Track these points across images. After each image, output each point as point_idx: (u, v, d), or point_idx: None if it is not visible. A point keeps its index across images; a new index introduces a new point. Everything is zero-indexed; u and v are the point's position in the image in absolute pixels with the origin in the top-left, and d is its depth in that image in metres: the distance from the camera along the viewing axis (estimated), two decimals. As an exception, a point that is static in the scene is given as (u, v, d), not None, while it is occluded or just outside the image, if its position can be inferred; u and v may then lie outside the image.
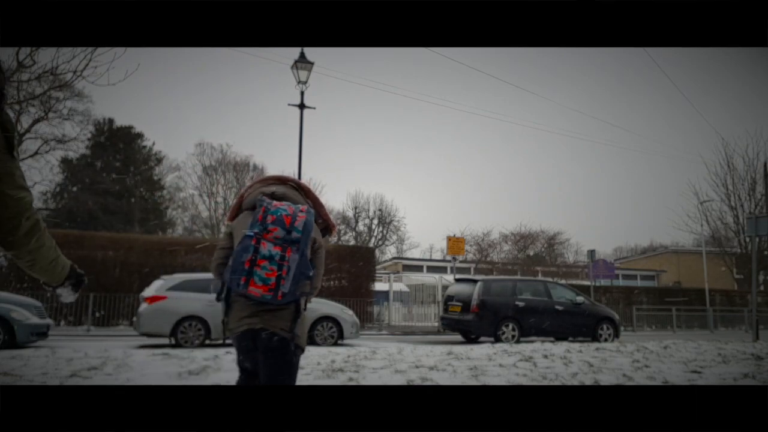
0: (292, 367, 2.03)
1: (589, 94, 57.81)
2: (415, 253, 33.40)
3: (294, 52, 9.45)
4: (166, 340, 7.59)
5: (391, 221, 30.37)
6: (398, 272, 23.70)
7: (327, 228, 2.19)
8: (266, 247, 1.87)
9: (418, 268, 27.24)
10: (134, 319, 7.95)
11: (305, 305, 2.02)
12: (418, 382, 4.35)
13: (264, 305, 1.91)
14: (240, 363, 2.14)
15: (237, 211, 2.14)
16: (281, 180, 2.21)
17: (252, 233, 1.87)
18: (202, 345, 7.49)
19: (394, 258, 30.31)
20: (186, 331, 7.53)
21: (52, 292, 1.34)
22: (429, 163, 55.61)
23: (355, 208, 29.84)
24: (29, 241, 1.17)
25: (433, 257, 33.87)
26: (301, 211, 1.96)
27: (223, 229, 29.42)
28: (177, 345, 7.38)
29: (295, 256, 1.87)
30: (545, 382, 4.53)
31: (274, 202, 1.98)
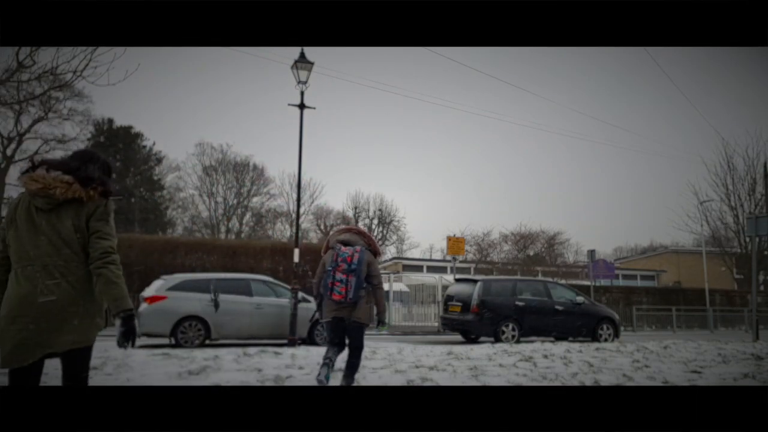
0: (362, 334, 3.91)
1: (589, 94, 57.75)
2: (415, 253, 33.41)
3: (294, 52, 9.41)
4: (166, 340, 7.57)
5: (391, 221, 30.41)
6: (398, 272, 23.67)
7: (375, 253, 3.95)
8: (338, 275, 3.71)
9: (418, 268, 27.23)
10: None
11: (366, 301, 3.82)
12: (418, 383, 4.34)
13: (341, 304, 3.75)
14: (331, 339, 3.94)
15: (327, 248, 3.94)
16: (348, 230, 4.05)
17: (330, 268, 3.75)
18: (202, 345, 7.46)
19: (394, 258, 30.30)
20: (186, 331, 7.51)
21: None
22: (429, 163, 55.53)
23: (355, 208, 29.86)
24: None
25: (433, 257, 33.86)
26: (356, 251, 3.76)
27: (223, 229, 29.48)
28: (177, 345, 7.36)
29: (353, 278, 3.70)
30: (545, 382, 4.53)
31: (342, 247, 3.78)
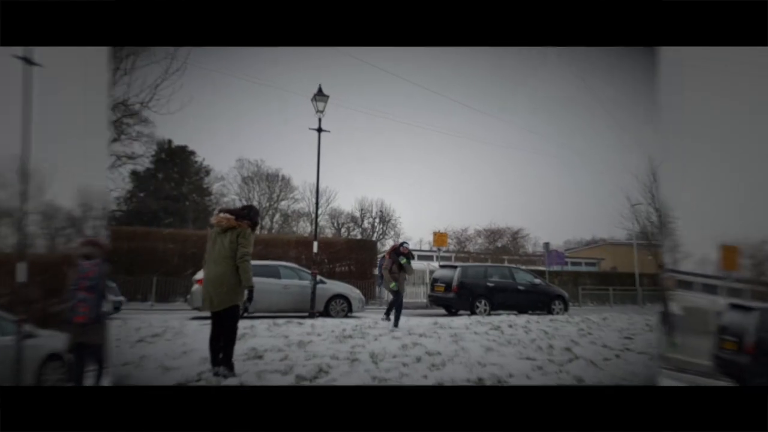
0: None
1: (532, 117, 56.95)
2: (408, 245, 33.19)
3: (314, 86, 9.24)
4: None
5: (389, 220, 30.53)
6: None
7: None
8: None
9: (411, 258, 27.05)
10: (188, 296, 7.83)
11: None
12: (410, 346, 4.34)
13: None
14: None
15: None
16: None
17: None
18: (241, 317, 7.32)
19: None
20: None
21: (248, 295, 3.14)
22: (420, 173, 54.78)
23: (362, 209, 29.91)
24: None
25: (422, 248, 33.84)
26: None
27: (258, 226, 28.75)
28: None
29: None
30: (510, 346, 4.52)
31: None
